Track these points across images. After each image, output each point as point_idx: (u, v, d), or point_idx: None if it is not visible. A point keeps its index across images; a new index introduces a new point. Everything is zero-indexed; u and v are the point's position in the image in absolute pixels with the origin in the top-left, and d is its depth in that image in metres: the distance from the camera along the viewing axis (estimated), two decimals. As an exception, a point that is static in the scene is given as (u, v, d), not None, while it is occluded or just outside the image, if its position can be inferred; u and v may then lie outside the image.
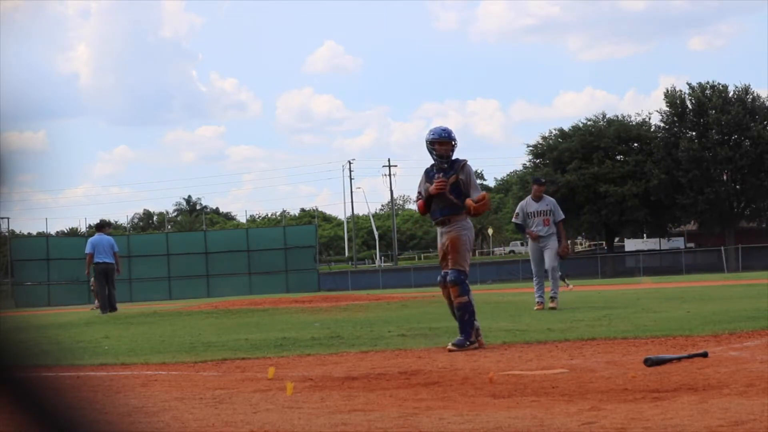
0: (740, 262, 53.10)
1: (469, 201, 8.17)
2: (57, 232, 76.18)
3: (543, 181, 14.08)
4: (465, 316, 8.05)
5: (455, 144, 8.38)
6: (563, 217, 13.76)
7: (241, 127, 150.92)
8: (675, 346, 7.24)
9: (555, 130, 63.87)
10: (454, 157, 8.36)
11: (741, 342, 7.30)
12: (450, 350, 7.75)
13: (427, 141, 8.40)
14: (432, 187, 8.19)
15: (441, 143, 8.31)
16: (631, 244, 72.75)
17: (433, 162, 8.45)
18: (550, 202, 13.67)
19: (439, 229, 8.33)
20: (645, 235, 67.17)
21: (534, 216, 13.62)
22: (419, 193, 8.51)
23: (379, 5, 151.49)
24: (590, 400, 4.56)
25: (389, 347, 8.11)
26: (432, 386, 5.34)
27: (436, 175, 8.30)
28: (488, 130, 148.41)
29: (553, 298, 13.37)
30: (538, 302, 13.28)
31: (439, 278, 8.41)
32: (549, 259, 13.42)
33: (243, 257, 47.88)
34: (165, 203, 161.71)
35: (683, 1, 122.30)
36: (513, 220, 13.93)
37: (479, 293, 24.26)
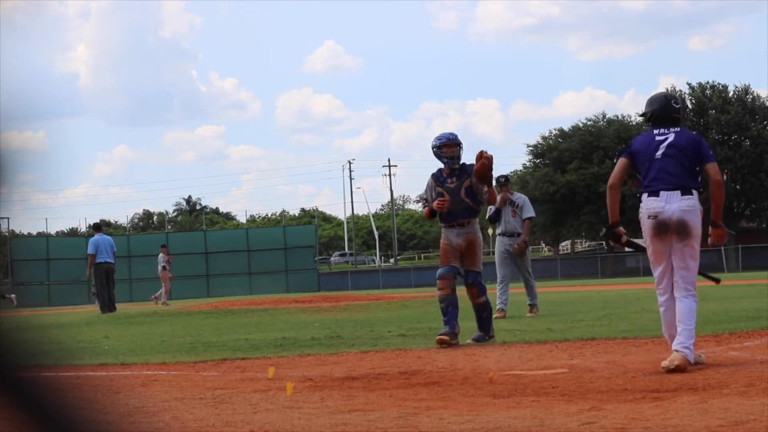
0: (740, 262, 53.08)
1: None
2: (57, 232, 76.19)
3: (502, 180, 12.81)
4: (484, 314, 8.45)
5: (461, 147, 8.67)
6: (533, 215, 12.86)
7: (241, 127, 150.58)
8: (675, 346, 7.24)
9: (555, 130, 63.88)
10: (462, 161, 8.66)
11: (741, 342, 7.31)
12: (468, 343, 8.22)
13: (434, 147, 8.65)
14: (435, 204, 8.50)
15: (449, 146, 8.57)
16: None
17: (440, 167, 8.71)
18: (520, 197, 12.89)
19: (453, 230, 8.52)
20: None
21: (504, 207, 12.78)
22: (425, 199, 8.84)
23: (378, 5, 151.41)
24: (590, 400, 4.56)
25: (389, 347, 8.11)
26: (432, 386, 5.34)
27: (448, 180, 8.58)
28: (488, 130, 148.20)
29: (531, 306, 12.55)
30: (499, 309, 11.77)
31: (447, 272, 8.42)
32: (523, 264, 12.64)
33: (243, 257, 47.89)
34: (165, 203, 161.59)
35: (683, 1, 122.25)
36: (488, 216, 12.76)
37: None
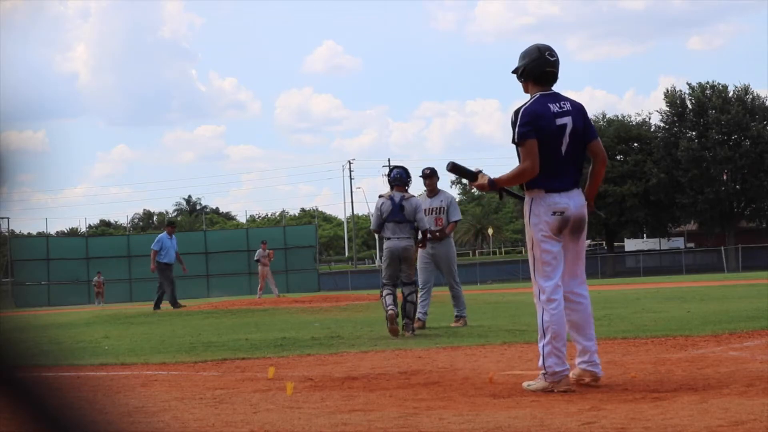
0: (740, 262, 53.07)
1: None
2: (57, 232, 76.17)
3: (427, 172, 11.13)
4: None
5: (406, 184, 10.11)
6: (459, 218, 11.35)
7: (241, 126, 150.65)
8: (675, 346, 7.24)
9: (555, 130, 63.79)
10: (409, 194, 10.08)
11: (741, 342, 7.31)
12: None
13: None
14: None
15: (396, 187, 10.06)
16: (631, 244, 72.75)
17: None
18: (445, 198, 11.18)
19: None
20: (645, 235, 67.17)
21: (427, 214, 10.97)
22: None
23: (378, 5, 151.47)
24: (590, 400, 4.56)
25: (389, 347, 8.12)
26: (432, 386, 5.34)
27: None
28: (488, 130, 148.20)
29: (458, 318, 10.88)
30: (417, 318, 10.37)
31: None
32: (447, 270, 11.05)
33: (243, 257, 47.80)
34: (165, 203, 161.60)
35: (683, 1, 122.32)
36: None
37: (479, 293, 24.24)
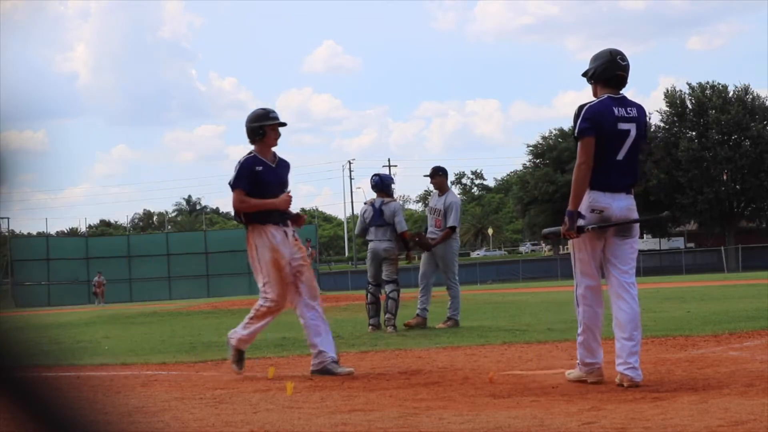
0: (740, 262, 53.07)
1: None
2: (57, 232, 76.16)
3: (430, 173, 11.22)
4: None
5: (383, 191, 10.72)
6: (455, 224, 10.87)
7: (241, 126, 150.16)
8: (675, 346, 7.24)
9: (555, 130, 63.93)
10: (394, 197, 11.00)
11: (741, 342, 7.30)
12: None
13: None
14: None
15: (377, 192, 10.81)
16: (631, 244, 72.63)
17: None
18: (447, 200, 10.95)
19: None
20: (645, 235, 67.18)
21: (430, 213, 11.20)
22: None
23: (378, 5, 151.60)
24: (590, 400, 4.56)
25: (389, 347, 8.12)
26: (432, 386, 5.34)
27: None
28: (488, 130, 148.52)
29: (448, 319, 10.79)
30: (417, 314, 10.94)
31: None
32: (443, 268, 11.01)
33: (243, 257, 47.49)
34: (165, 203, 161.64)
35: (683, 1, 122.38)
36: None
37: (479, 293, 24.26)
